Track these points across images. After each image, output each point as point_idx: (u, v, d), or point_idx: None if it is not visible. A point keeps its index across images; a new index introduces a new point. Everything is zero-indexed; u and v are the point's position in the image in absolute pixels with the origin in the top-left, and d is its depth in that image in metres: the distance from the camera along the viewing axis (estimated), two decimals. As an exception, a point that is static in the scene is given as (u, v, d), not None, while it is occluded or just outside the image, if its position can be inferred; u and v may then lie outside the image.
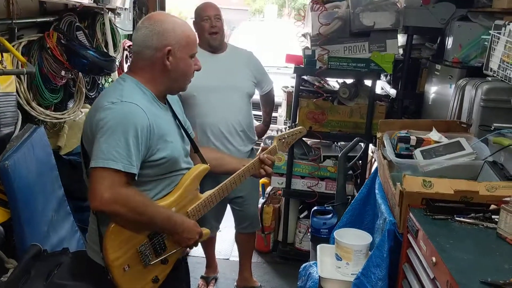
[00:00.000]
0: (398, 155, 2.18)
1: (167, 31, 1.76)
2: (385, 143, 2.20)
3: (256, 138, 3.21)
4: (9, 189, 2.03)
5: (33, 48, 2.68)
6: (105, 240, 1.70)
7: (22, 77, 2.56)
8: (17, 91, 2.50)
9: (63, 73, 2.77)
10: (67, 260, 2.04)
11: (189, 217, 1.90)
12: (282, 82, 4.57)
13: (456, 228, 1.61)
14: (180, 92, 2.84)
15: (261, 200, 3.89)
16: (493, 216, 1.64)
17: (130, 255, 1.75)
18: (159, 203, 1.80)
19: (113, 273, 1.72)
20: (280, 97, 4.45)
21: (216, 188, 2.03)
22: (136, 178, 1.69)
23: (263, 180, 4.08)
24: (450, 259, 1.38)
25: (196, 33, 1.95)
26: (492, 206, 1.69)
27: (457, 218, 1.66)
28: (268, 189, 4.03)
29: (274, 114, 4.62)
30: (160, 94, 1.85)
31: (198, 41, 2.15)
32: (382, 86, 4.17)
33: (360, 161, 3.65)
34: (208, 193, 2.00)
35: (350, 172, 3.72)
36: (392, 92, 3.76)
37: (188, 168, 1.93)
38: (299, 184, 3.67)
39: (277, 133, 2.39)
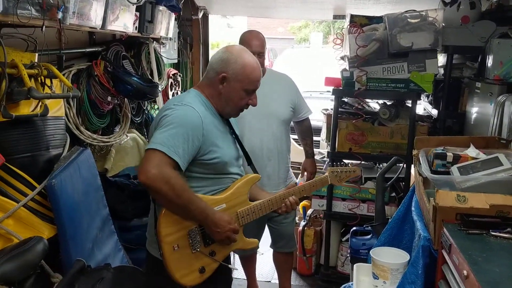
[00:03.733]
0: (434, 172, 2.15)
1: (229, 61, 2.02)
2: (421, 160, 2.17)
3: (289, 164, 3.21)
4: (56, 206, 2.15)
5: (82, 76, 2.86)
6: (159, 217, 1.91)
7: (71, 102, 2.74)
8: (66, 116, 2.67)
9: (109, 98, 2.93)
10: (108, 275, 2.13)
11: (238, 218, 2.08)
12: (325, 106, 4.61)
13: (490, 243, 1.57)
14: None
15: (302, 223, 3.89)
16: (531, 231, 1.59)
17: (180, 236, 1.94)
18: (212, 197, 2.02)
19: (163, 248, 1.91)
20: (320, 121, 4.48)
21: (267, 198, 2.17)
22: (182, 169, 1.89)
23: (303, 203, 4.09)
24: (481, 272, 1.35)
25: (260, 74, 2.10)
26: (530, 221, 1.64)
27: (492, 233, 1.62)
28: (309, 211, 4.02)
29: (316, 138, 4.65)
30: (217, 110, 2.08)
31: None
32: (425, 107, 4.12)
33: (403, 183, 3.59)
34: (258, 201, 2.15)
35: (393, 194, 3.68)
36: (434, 112, 3.71)
37: (240, 175, 2.15)
38: (340, 207, 3.65)
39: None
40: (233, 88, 2.02)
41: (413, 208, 2.14)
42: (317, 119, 4.64)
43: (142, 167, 1.82)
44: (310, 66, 7.98)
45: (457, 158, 2.15)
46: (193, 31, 4.80)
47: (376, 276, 2.12)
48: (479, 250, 1.50)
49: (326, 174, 2.39)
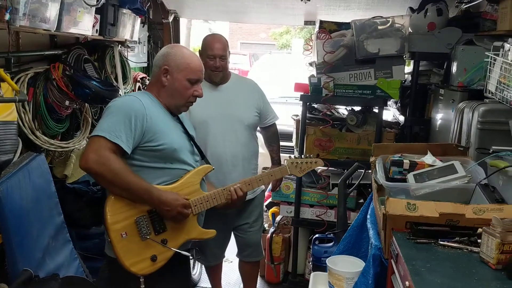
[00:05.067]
0: (391, 179, 2.13)
1: (169, 55, 2.16)
2: (377, 167, 2.15)
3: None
4: (0, 215, 2.06)
5: (39, 79, 2.77)
6: (106, 204, 1.96)
7: (27, 107, 2.65)
8: (21, 121, 2.58)
9: (67, 103, 2.84)
10: (56, 286, 2.05)
11: (191, 207, 2.10)
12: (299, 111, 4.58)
13: (437, 252, 1.54)
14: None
15: (271, 230, 3.84)
16: (479, 240, 1.57)
17: (127, 224, 1.97)
18: (160, 187, 2.04)
19: (111, 236, 1.94)
20: (291, 126, 4.45)
21: (221, 188, 2.21)
22: (128, 151, 1.96)
23: (273, 209, 4.04)
24: (421, 283, 1.31)
25: (201, 65, 2.23)
26: (479, 230, 1.62)
27: (440, 242, 1.60)
28: (278, 218, 3.97)
29: (289, 144, 4.61)
30: (166, 106, 2.17)
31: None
32: (394, 113, 4.12)
33: (370, 189, 3.57)
34: (211, 190, 2.19)
35: (361, 200, 3.66)
36: (401, 119, 3.70)
37: (194, 167, 2.19)
38: (308, 213, 3.61)
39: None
40: (176, 79, 2.12)
41: (368, 216, 2.12)
42: (289, 124, 4.61)
43: (82, 153, 1.93)
44: (288, 72, 7.95)
45: (413, 165, 2.14)
46: (163, 35, 4.73)
47: (331, 285, 2.09)
48: (424, 260, 1.47)
49: (284, 164, 2.38)
